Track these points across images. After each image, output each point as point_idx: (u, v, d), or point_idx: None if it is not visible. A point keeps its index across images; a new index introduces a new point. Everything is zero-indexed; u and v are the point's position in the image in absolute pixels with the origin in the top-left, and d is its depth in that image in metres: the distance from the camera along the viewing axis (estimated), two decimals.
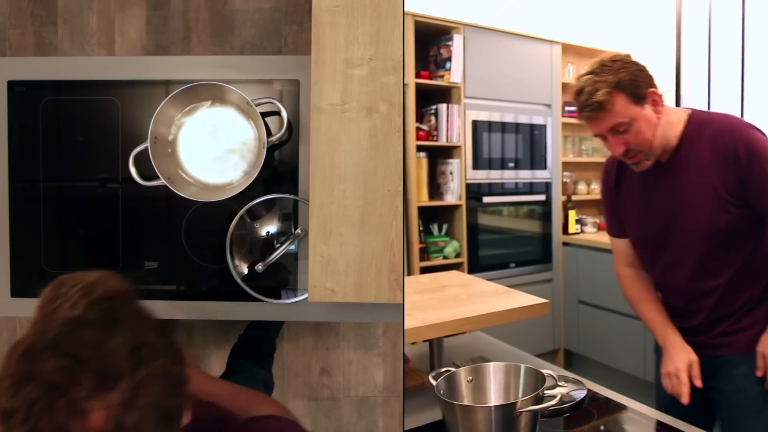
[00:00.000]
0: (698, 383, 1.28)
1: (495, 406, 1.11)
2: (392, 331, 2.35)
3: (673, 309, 1.38)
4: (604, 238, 2.97)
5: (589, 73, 1.22)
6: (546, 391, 1.11)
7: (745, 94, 2.71)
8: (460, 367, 1.22)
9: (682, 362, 1.30)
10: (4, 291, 1.53)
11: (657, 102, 1.23)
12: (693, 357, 1.30)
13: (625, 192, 1.39)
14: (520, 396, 1.17)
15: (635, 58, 1.27)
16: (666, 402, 1.35)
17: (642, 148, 1.25)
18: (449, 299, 1.57)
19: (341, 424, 2.38)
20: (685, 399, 1.27)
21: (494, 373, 1.22)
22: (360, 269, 1.23)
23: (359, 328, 2.36)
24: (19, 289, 1.53)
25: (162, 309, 1.52)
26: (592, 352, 2.99)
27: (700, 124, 1.25)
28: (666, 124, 1.25)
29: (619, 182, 1.39)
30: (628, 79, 1.20)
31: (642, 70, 1.23)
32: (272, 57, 1.51)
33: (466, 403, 1.18)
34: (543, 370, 1.17)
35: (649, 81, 1.23)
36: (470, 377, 1.21)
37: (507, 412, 1.07)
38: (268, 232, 1.48)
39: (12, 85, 1.52)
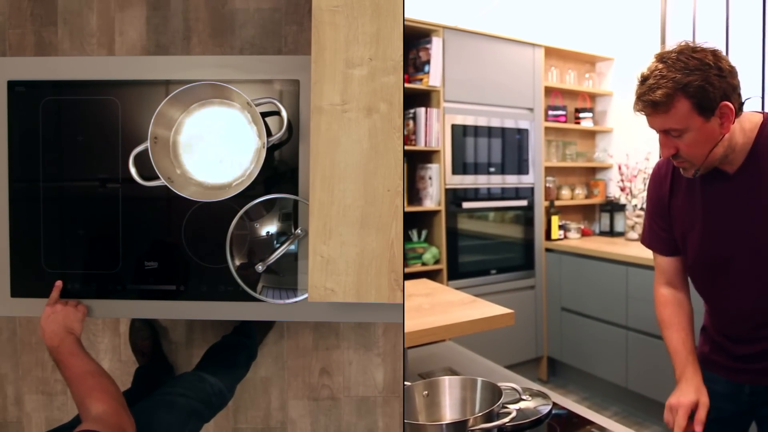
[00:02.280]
0: (698, 429, 1.16)
1: (446, 424, 1.08)
2: (392, 331, 2.35)
3: (730, 336, 1.28)
4: (587, 245, 2.96)
5: (662, 60, 1.06)
6: (509, 406, 1.09)
7: None
8: (426, 378, 1.20)
9: (688, 399, 1.18)
10: (4, 291, 1.53)
11: (727, 117, 1.07)
12: (704, 399, 1.18)
13: (681, 204, 1.23)
14: (476, 411, 1.14)
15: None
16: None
17: (693, 160, 1.12)
18: (411, 309, 1.54)
19: (341, 424, 2.38)
20: None
21: (450, 387, 1.19)
22: (360, 269, 1.23)
23: (359, 328, 2.36)
24: (19, 289, 1.53)
25: (162, 309, 1.52)
26: (575, 360, 2.96)
27: None
28: (737, 131, 1.11)
29: (674, 192, 1.24)
30: (698, 85, 1.04)
31: (722, 75, 1.05)
32: (272, 57, 1.51)
33: (420, 419, 1.16)
34: (506, 384, 1.14)
35: (725, 91, 1.06)
36: (426, 392, 1.19)
37: (459, 429, 1.04)
38: (268, 232, 1.48)
39: (12, 85, 1.52)
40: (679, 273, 1.32)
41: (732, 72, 1.07)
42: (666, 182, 1.25)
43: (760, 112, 1.16)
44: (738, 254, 1.17)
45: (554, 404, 1.29)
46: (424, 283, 1.89)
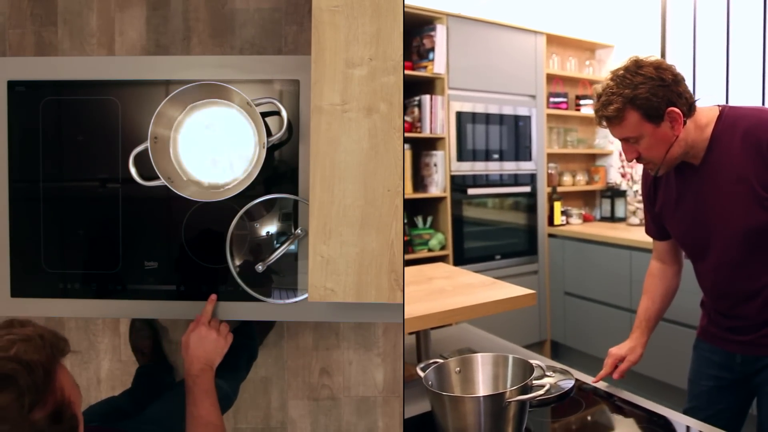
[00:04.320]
0: (615, 376, 1.39)
1: (484, 396, 1.12)
2: (392, 331, 2.35)
3: (718, 310, 1.38)
4: (589, 230, 3.01)
5: (612, 78, 1.20)
6: (534, 381, 1.12)
7: (730, 84, 2.72)
8: (447, 358, 1.23)
9: (619, 352, 1.41)
10: (4, 291, 1.53)
11: (676, 120, 1.19)
12: (632, 357, 1.40)
13: (663, 195, 1.37)
14: (508, 386, 1.18)
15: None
16: (697, 395, 1.45)
17: (653, 161, 1.25)
18: (435, 291, 1.57)
19: (341, 424, 2.38)
20: (594, 380, 1.40)
21: (482, 364, 1.23)
22: (360, 269, 1.23)
23: (359, 328, 2.36)
24: (19, 289, 1.53)
25: (162, 309, 1.52)
26: (579, 343, 3.00)
27: (731, 121, 1.22)
28: (692, 129, 1.22)
29: (657, 185, 1.38)
30: (644, 97, 1.17)
31: (665, 85, 1.18)
32: (272, 57, 1.51)
33: (455, 393, 1.19)
34: (531, 361, 1.18)
35: (669, 98, 1.18)
36: (458, 368, 1.22)
37: (496, 402, 1.08)
38: (268, 232, 1.48)
39: (12, 85, 1.52)
40: (670, 252, 1.47)
41: (675, 80, 1.19)
42: (650, 177, 1.39)
43: (717, 106, 1.26)
44: (710, 239, 1.29)
45: (576, 380, 1.38)
46: (442, 266, 1.92)
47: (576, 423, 1.27)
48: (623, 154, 1.28)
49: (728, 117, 1.23)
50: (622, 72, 1.20)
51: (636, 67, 1.19)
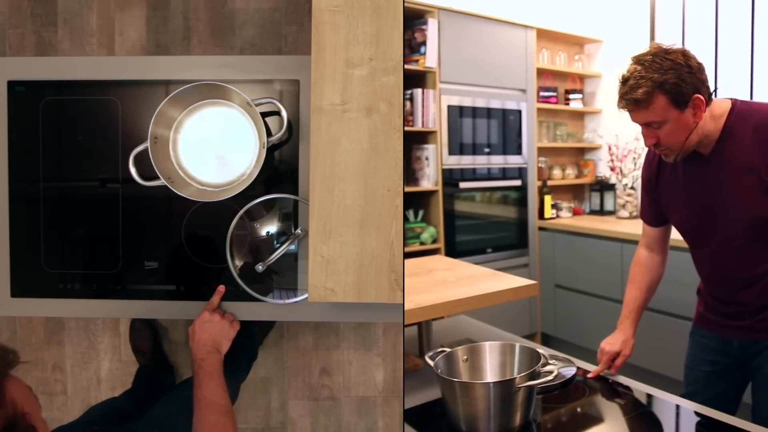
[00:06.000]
0: (612, 372, 1.41)
1: (494, 383, 1.14)
2: (392, 331, 2.35)
3: (717, 296, 1.41)
4: (579, 223, 3.04)
5: (639, 63, 1.21)
6: (540, 369, 1.15)
7: (719, 78, 2.73)
8: (448, 349, 1.24)
9: (612, 349, 1.42)
10: (4, 291, 1.53)
11: (699, 107, 1.22)
12: (626, 351, 1.42)
13: (666, 183, 1.39)
14: (516, 373, 1.21)
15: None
16: (694, 380, 1.48)
17: (672, 147, 1.27)
18: (438, 282, 1.59)
19: (341, 424, 2.38)
20: (590, 375, 1.41)
21: (490, 352, 1.26)
22: (360, 269, 1.23)
23: (359, 328, 2.36)
24: (19, 289, 1.53)
25: (162, 309, 1.52)
26: (569, 335, 3.03)
27: (744, 114, 1.25)
28: (708, 119, 1.25)
29: (660, 172, 1.40)
30: (673, 83, 1.19)
31: (692, 72, 1.20)
32: (272, 57, 1.51)
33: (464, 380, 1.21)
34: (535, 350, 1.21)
35: (695, 85, 1.20)
36: (466, 357, 1.24)
37: (505, 388, 1.10)
38: (268, 232, 1.48)
39: (12, 85, 1.52)
40: (659, 240, 1.50)
41: (700, 68, 1.22)
42: (654, 164, 1.41)
43: (729, 99, 1.28)
44: (714, 227, 1.32)
45: (578, 368, 1.43)
46: (441, 258, 1.94)
47: (583, 408, 1.30)
48: (643, 139, 1.29)
49: (741, 110, 1.26)
50: (650, 57, 1.20)
51: (664, 52, 1.20)
